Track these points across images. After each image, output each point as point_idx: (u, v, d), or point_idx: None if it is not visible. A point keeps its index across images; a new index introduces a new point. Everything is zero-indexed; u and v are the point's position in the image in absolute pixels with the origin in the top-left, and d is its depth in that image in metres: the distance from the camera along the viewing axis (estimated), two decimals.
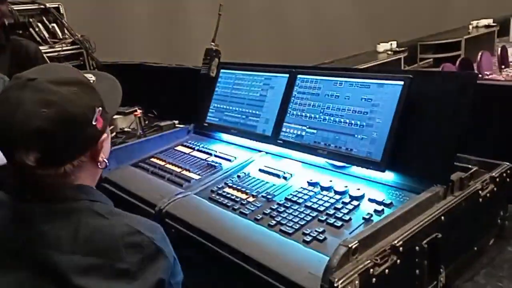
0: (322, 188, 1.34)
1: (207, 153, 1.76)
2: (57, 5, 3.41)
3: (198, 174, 1.59)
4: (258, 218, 1.24)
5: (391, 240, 0.98)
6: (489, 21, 7.39)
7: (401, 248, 0.98)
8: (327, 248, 1.07)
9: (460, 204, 1.17)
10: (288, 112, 1.61)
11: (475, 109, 1.21)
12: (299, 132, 1.55)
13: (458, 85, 1.25)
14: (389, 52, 6.51)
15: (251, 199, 1.36)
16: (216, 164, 1.63)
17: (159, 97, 2.92)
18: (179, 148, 1.87)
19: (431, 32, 7.44)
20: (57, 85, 0.85)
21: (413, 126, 1.29)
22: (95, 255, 0.82)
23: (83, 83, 0.91)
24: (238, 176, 1.52)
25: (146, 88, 2.89)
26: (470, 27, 7.41)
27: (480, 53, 4.27)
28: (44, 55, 2.83)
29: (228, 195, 1.40)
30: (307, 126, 1.53)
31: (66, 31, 3.42)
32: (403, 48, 6.56)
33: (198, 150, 1.81)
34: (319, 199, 1.28)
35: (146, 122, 2.59)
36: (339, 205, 1.23)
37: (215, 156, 1.72)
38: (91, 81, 0.96)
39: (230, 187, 1.45)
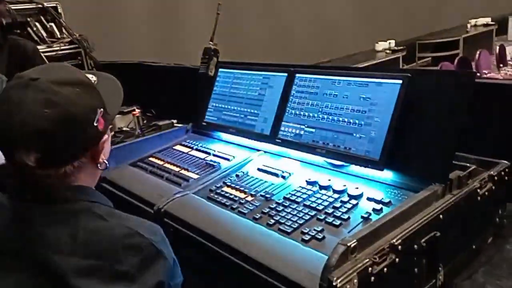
0: (321, 187, 1.34)
1: (206, 153, 1.76)
2: (55, 5, 3.41)
3: (197, 174, 1.59)
4: (257, 217, 1.24)
5: (390, 239, 0.98)
6: (487, 20, 7.40)
7: (399, 247, 0.98)
8: (325, 247, 1.07)
9: (458, 203, 1.17)
10: (287, 111, 1.61)
11: (474, 108, 1.21)
12: (297, 131, 1.55)
13: (456, 83, 1.25)
14: (388, 51, 6.51)
15: (249, 198, 1.36)
16: (215, 164, 1.63)
17: (157, 97, 2.92)
18: (178, 147, 1.87)
19: (430, 31, 7.45)
20: (59, 85, 0.84)
21: (411, 124, 1.29)
22: (94, 257, 0.82)
23: (85, 84, 0.90)
24: (237, 175, 1.52)
25: (145, 87, 2.89)
26: (469, 25, 7.43)
27: (478, 52, 4.28)
28: (42, 54, 2.82)
29: (227, 194, 1.39)
30: (306, 125, 1.52)
31: (64, 30, 3.42)
32: (401, 47, 6.56)
33: (196, 150, 1.81)
34: (318, 198, 1.28)
35: (145, 121, 2.59)
36: (337, 204, 1.23)
37: (214, 155, 1.72)
38: (94, 81, 0.96)
39: (228, 186, 1.45)
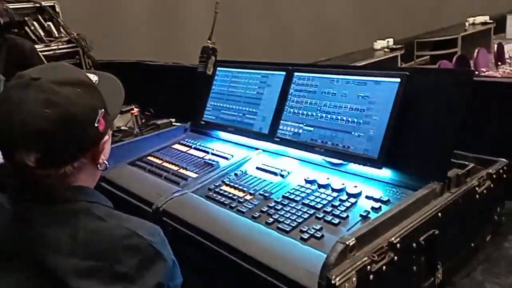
0: (320, 186, 1.34)
1: (204, 151, 1.76)
2: (52, 4, 3.39)
3: (195, 172, 1.59)
4: (256, 216, 1.24)
5: (388, 237, 0.98)
6: (486, 18, 7.41)
7: (398, 245, 0.98)
8: (324, 245, 1.07)
9: (457, 201, 1.17)
10: (285, 109, 1.61)
11: (472, 106, 1.21)
12: (296, 130, 1.54)
13: (455, 82, 1.25)
14: (386, 50, 6.51)
15: (248, 197, 1.36)
16: (213, 162, 1.63)
17: (155, 96, 2.91)
18: (176, 146, 1.87)
19: (428, 30, 7.46)
20: (60, 85, 0.84)
21: (410, 123, 1.29)
22: (93, 258, 0.82)
23: (87, 84, 0.90)
24: (235, 174, 1.52)
25: (143, 86, 2.88)
26: (467, 24, 7.43)
27: (476, 50, 4.28)
28: (40, 53, 2.82)
29: (226, 193, 1.39)
30: (304, 124, 1.52)
31: (62, 29, 3.40)
32: (399, 46, 6.56)
33: (195, 148, 1.80)
34: (317, 197, 1.28)
35: (143, 120, 2.58)
36: (336, 203, 1.23)
37: (212, 154, 1.72)
38: (95, 81, 0.96)
39: (227, 185, 1.45)
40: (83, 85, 0.88)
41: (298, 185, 1.37)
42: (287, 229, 1.16)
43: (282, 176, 1.45)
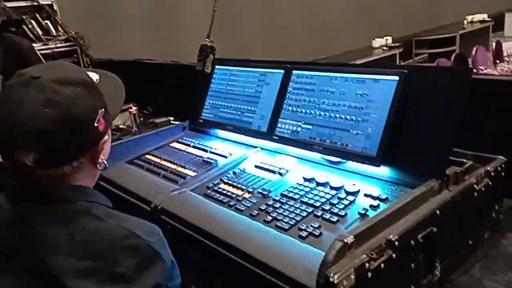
0: (318, 184, 1.34)
1: (203, 150, 1.76)
2: (50, 2, 3.39)
3: (194, 171, 1.59)
4: (254, 214, 1.24)
5: (387, 235, 0.99)
6: (484, 16, 7.41)
7: (396, 243, 0.98)
8: (323, 243, 1.07)
9: (455, 199, 1.17)
10: (284, 108, 1.60)
11: (470, 104, 1.21)
12: (294, 128, 1.54)
13: (453, 79, 1.25)
14: (384, 48, 6.51)
15: (247, 195, 1.36)
16: (212, 161, 1.63)
17: (154, 94, 2.91)
18: (174, 144, 1.86)
19: (426, 28, 7.45)
20: (61, 84, 0.84)
21: (408, 121, 1.29)
22: (91, 259, 0.81)
23: (87, 84, 0.90)
24: (234, 173, 1.52)
25: (141, 85, 2.88)
26: (465, 22, 7.43)
27: (475, 48, 4.28)
28: (38, 52, 2.81)
29: (224, 192, 1.39)
30: (303, 122, 1.52)
31: (59, 28, 3.40)
32: (398, 44, 6.56)
33: (193, 147, 1.80)
34: (315, 195, 1.28)
35: (141, 119, 2.58)
36: (335, 201, 1.24)
37: (211, 152, 1.72)
38: (95, 81, 0.95)
39: (225, 183, 1.45)
40: (83, 84, 0.88)
41: (297, 183, 1.37)
42: (286, 227, 1.16)
43: (280, 174, 1.45)
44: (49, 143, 0.81)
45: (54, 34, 3.36)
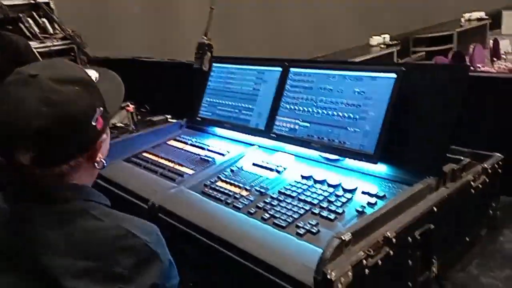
0: (316, 181, 1.34)
1: (200, 148, 1.75)
2: (47, 0, 3.37)
3: (191, 169, 1.58)
4: (252, 211, 1.24)
5: (384, 232, 0.99)
6: (481, 14, 7.41)
7: (394, 240, 0.98)
8: (320, 240, 1.07)
9: (452, 196, 1.17)
10: (281, 105, 1.60)
11: (468, 101, 1.22)
12: (292, 126, 1.54)
13: (451, 77, 1.25)
14: (382, 46, 6.51)
15: (244, 193, 1.36)
16: (209, 159, 1.63)
17: (151, 92, 2.90)
18: (172, 142, 1.86)
19: (424, 25, 7.46)
20: (58, 83, 0.83)
21: (406, 118, 1.29)
22: (88, 259, 0.81)
23: (86, 82, 0.89)
24: (231, 170, 1.52)
25: (138, 83, 2.87)
26: (462, 20, 7.43)
27: (472, 46, 4.29)
28: (35, 50, 2.80)
29: (221, 189, 1.39)
30: (300, 120, 1.52)
31: (56, 26, 3.39)
32: (395, 42, 6.57)
33: (191, 145, 1.80)
34: (313, 192, 1.28)
35: (139, 117, 2.58)
36: (332, 198, 1.24)
37: (208, 150, 1.72)
38: (94, 79, 0.95)
39: (223, 181, 1.45)
40: (82, 83, 0.87)
41: (294, 181, 1.37)
42: (283, 225, 1.16)
43: (278, 172, 1.45)
44: (47, 142, 0.81)
45: (51, 32, 3.35)
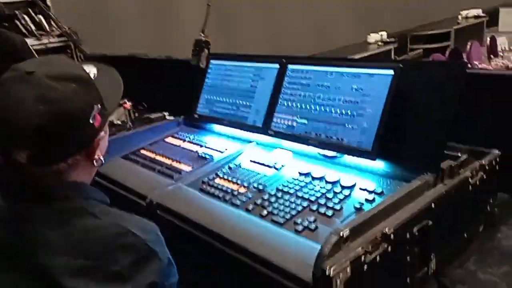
0: (314, 178, 1.34)
1: (198, 145, 1.75)
2: None
3: (189, 166, 1.58)
4: (250, 208, 1.24)
5: (382, 228, 0.99)
6: (478, 12, 7.42)
7: (392, 236, 0.98)
8: (318, 237, 1.07)
9: (450, 192, 1.17)
10: (279, 102, 1.60)
11: (465, 99, 1.22)
12: (290, 123, 1.54)
13: (448, 74, 1.25)
14: (380, 43, 6.51)
15: (242, 190, 1.35)
16: (207, 156, 1.63)
17: (148, 90, 2.89)
18: (169, 140, 1.86)
19: (421, 23, 7.46)
20: (55, 80, 0.82)
21: (403, 115, 1.29)
22: (86, 257, 0.81)
23: (83, 79, 0.88)
24: (229, 167, 1.51)
25: (135, 80, 2.85)
26: (460, 17, 7.44)
27: (469, 44, 4.29)
28: (31, 47, 2.79)
29: (220, 186, 1.39)
30: (298, 116, 1.52)
31: (53, 23, 3.37)
32: (393, 39, 6.56)
33: (188, 142, 1.80)
34: (311, 189, 1.28)
35: (136, 114, 2.57)
36: (330, 195, 1.24)
37: (206, 147, 1.72)
38: (92, 75, 0.94)
39: (221, 178, 1.45)
40: (79, 80, 0.86)
41: (292, 178, 1.37)
42: (281, 221, 1.16)
43: (276, 168, 1.45)
44: (43, 140, 0.80)
45: (48, 29, 3.33)
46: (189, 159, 1.63)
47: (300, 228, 1.11)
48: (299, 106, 1.53)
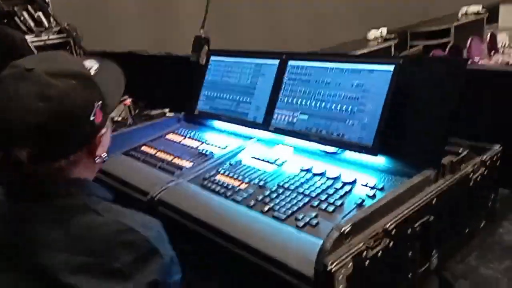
0: (315, 174, 1.34)
1: (199, 141, 1.75)
2: None
3: (190, 162, 1.58)
4: (251, 204, 1.24)
5: (384, 224, 0.99)
6: (478, 8, 7.41)
7: (393, 231, 0.99)
8: (320, 232, 1.07)
9: (451, 188, 1.17)
10: (279, 98, 1.60)
11: (465, 94, 1.22)
12: (290, 119, 1.54)
13: (449, 70, 1.25)
14: (380, 40, 6.50)
15: (243, 186, 1.35)
16: (208, 152, 1.62)
17: (148, 86, 2.89)
18: (170, 136, 1.86)
19: (421, 19, 7.45)
20: (55, 77, 0.82)
21: (404, 110, 1.29)
22: (87, 254, 0.80)
23: (83, 76, 0.87)
24: (230, 164, 1.51)
25: (135, 77, 2.85)
26: (460, 14, 7.43)
27: (469, 40, 4.28)
28: (30, 44, 2.78)
29: (221, 183, 1.39)
30: (299, 112, 1.52)
31: (52, 19, 3.36)
32: (393, 35, 6.55)
33: (189, 138, 1.79)
34: (312, 185, 1.28)
35: (136, 111, 2.57)
36: (331, 191, 1.24)
37: (207, 144, 1.71)
38: (94, 69, 0.93)
39: (222, 174, 1.44)
40: (79, 77, 0.86)
41: (293, 174, 1.37)
42: (283, 217, 1.16)
43: (277, 165, 1.45)
44: (43, 138, 0.80)
45: (47, 26, 3.32)
46: (190, 156, 1.63)
47: (301, 224, 1.11)
48: (299, 102, 1.53)
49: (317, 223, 1.11)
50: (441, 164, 1.19)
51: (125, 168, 1.63)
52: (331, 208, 1.16)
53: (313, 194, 1.23)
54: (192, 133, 1.82)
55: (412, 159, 1.24)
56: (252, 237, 1.10)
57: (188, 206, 1.29)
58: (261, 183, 1.34)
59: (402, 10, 7.19)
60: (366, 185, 1.23)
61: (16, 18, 3.20)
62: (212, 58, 1.94)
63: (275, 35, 5.78)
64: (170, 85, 2.59)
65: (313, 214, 1.14)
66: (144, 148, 1.78)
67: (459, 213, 1.24)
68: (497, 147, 1.32)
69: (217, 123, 1.85)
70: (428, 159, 1.21)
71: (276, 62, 1.65)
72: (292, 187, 1.29)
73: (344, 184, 1.26)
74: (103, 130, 0.92)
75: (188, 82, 1.99)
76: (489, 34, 4.55)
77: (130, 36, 4.58)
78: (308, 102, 1.50)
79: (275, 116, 1.59)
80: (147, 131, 1.89)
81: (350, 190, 1.23)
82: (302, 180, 1.32)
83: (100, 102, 0.89)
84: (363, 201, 1.16)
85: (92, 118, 0.86)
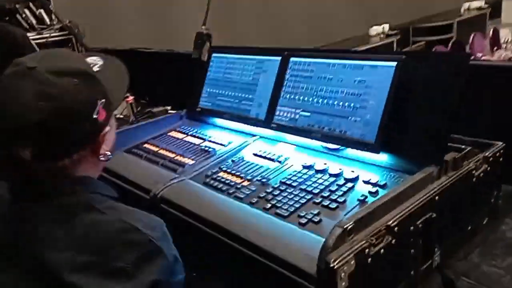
0: (317, 171, 1.34)
1: (201, 138, 1.75)
2: None
3: (192, 159, 1.58)
4: (254, 201, 1.24)
5: (386, 221, 0.99)
6: (481, 3, 7.37)
7: (396, 228, 0.98)
8: (322, 229, 1.07)
9: (454, 184, 1.17)
10: (281, 95, 1.59)
11: (468, 90, 1.21)
12: (292, 116, 1.54)
13: (452, 66, 1.24)
14: (382, 36, 6.47)
15: (246, 183, 1.35)
16: (210, 149, 1.62)
17: (150, 84, 2.89)
18: (172, 133, 1.86)
19: (423, 15, 7.42)
20: (57, 76, 0.81)
21: (406, 107, 1.29)
22: (89, 253, 0.80)
23: (86, 74, 0.87)
24: (233, 161, 1.51)
25: (137, 74, 2.85)
26: (462, 9, 7.39)
27: (472, 35, 4.26)
28: (32, 41, 2.78)
29: (223, 180, 1.39)
30: (301, 109, 1.52)
31: (53, 17, 3.36)
32: (395, 31, 6.53)
33: (191, 135, 1.80)
34: (314, 182, 1.28)
35: (138, 108, 2.57)
36: (334, 188, 1.23)
37: (209, 141, 1.71)
38: (98, 66, 0.93)
39: (224, 171, 1.45)
40: (82, 75, 0.85)
41: (296, 171, 1.37)
42: (285, 214, 1.16)
43: (279, 162, 1.45)
44: (46, 136, 0.80)
45: (48, 23, 3.32)
46: (192, 153, 1.63)
47: (304, 221, 1.11)
48: (301, 98, 1.52)
49: (320, 220, 1.11)
50: (443, 160, 1.19)
51: (128, 165, 1.63)
52: (333, 205, 1.16)
53: (316, 191, 1.23)
54: (194, 131, 1.82)
55: (415, 156, 1.24)
56: (254, 234, 1.10)
57: (190, 204, 1.29)
58: (264, 180, 1.34)
59: (404, 6, 7.16)
60: (368, 182, 1.23)
61: (17, 16, 3.20)
62: (214, 54, 1.94)
63: (276, 32, 5.77)
64: (171, 82, 2.59)
65: (316, 211, 1.14)
66: (146, 145, 1.78)
67: (462, 210, 1.23)
68: (500, 144, 1.32)
69: (219, 120, 1.85)
70: (430, 156, 1.20)
71: (278, 58, 1.64)
72: (295, 184, 1.29)
73: (347, 181, 1.25)
74: (107, 128, 0.92)
75: (189, 79, 1.99)
76: (491, 29, 4.53)
77: (131, 33, 4.58)
78: (310, 98, 1.50)
79: (277, 113, 1.59)
80: (149, 129, 1.89)
81: (353, 187, 1.23)
82: (305, 177, 1.32)
83: (103, 99, 0.88)
84: (365, 198, 1.16)
85: (95, 116, 0.86)
